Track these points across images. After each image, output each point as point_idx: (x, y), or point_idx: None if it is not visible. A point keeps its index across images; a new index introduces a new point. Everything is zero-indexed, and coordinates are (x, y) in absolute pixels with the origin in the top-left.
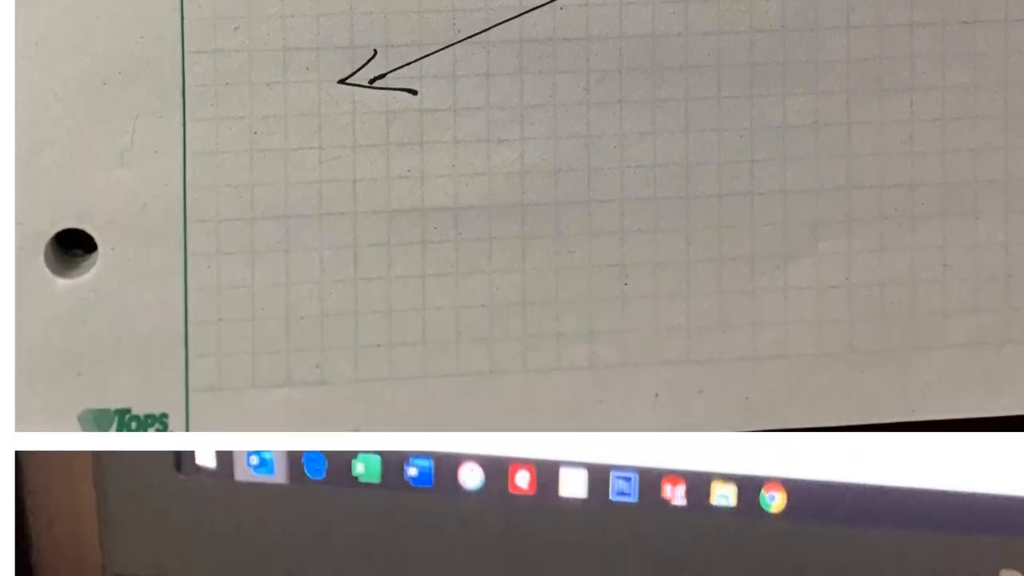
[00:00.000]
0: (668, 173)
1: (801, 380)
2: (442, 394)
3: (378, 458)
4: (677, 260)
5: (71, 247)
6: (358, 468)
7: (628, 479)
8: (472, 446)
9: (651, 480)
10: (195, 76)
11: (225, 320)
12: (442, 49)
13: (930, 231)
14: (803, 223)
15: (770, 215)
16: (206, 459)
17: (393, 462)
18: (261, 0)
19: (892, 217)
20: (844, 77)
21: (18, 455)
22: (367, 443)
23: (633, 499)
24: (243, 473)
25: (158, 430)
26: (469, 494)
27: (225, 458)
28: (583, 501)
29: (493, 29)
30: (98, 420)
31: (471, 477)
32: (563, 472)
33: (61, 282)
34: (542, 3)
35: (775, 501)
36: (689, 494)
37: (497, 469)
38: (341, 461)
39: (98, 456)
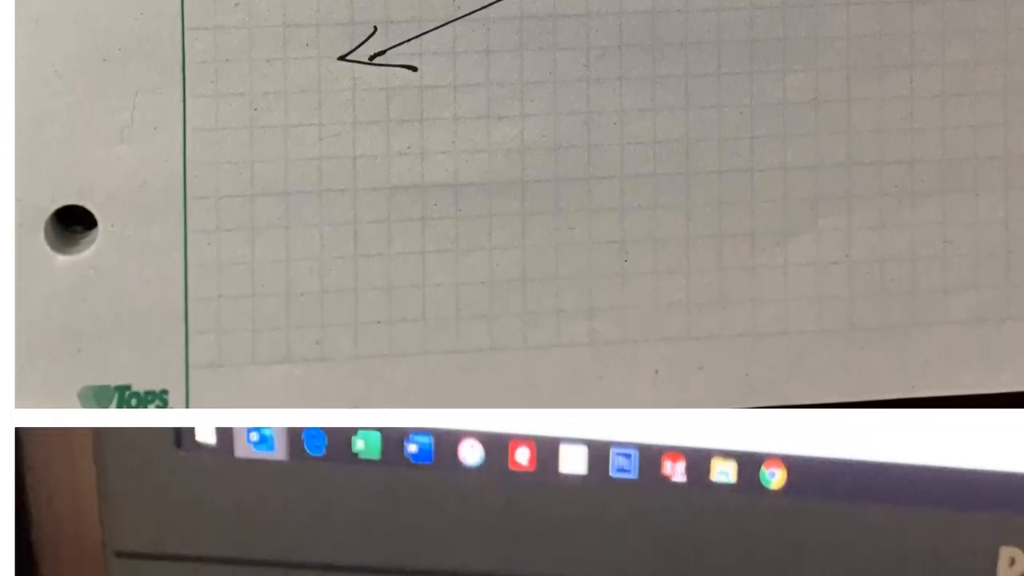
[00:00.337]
0: (668, 150)
1: (801, 357)
2: (442, 371)
3: (378, 435)
4: (677, 237)
5: (71, 223)
6: (358, 445)
7: (628, 456)
8: (472, 423)
9: (651, 457)
10: (195, 52)
11: (225, 297)
12: (442, 26)
13: (930, 208)
14: (803, 200)
15: (770, 192)
16: (206, 436)
17: (393, 439)
18: None
19: (892, 194)
20: (844, 54)
21: (18, 432)
22: (367, 420)
23: (633, 476)
24: (243, 450)
25: (158, 407)
26: (469, 471)
27: (225, 435)
28: (583, 478)
29: (493, 6)
30: (98, 397)
31: (471, 454)
32: (563, 449)
33: (61, 258)
34: None
35: (775, 478)
36: (689, 471)
37: (497, 446)
38: (341, 438)
39: (98, 433)
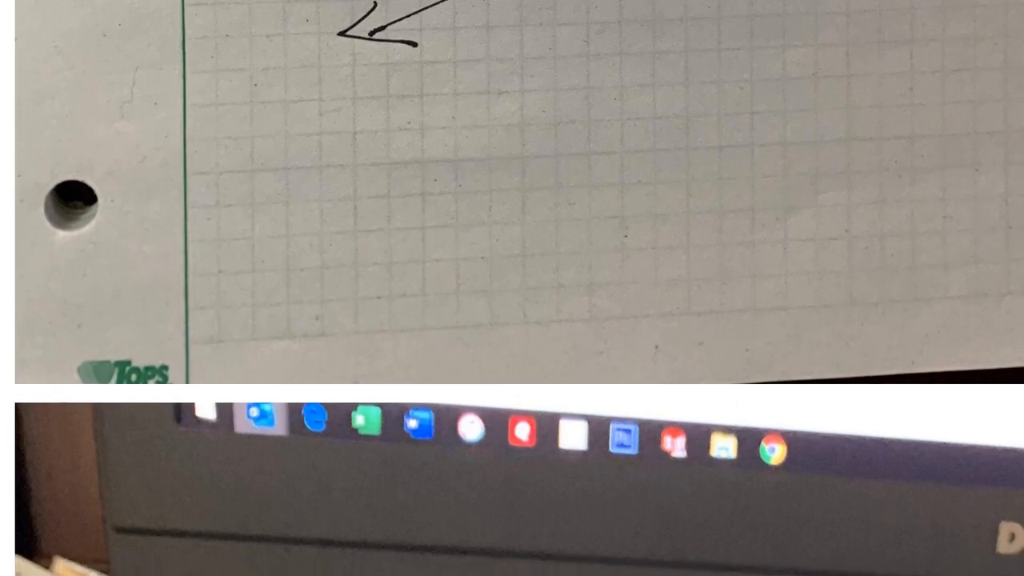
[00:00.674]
0: (668, 125)
1: (801, 332)
2: (442, 346)
3: (378, 410)
4: (677, 212)
5: (71, 199)
6: (358, 420)
7: (628, 431)
8: (472, 398)
9: (651, 432)
10: (195, 28)
11: (225, 272)
12: (442, 1)
13: (930, 183)
14: (803, 175)
15: (770, 167)
16: (206, 411)
17: (393, 414)
18: None
19: (892, 169)
20: (844, 29)
21: (18, 407)
22: (367, 395)
23: (633, 451)
24: (243, 425)
25: (158, 382)
26: (469, 446)
27: (225, 410)
28: (583, 453)
29: None
30: (98, 372)
31: (471, 429)
32: (563, 424)
33: (61, 234)
34: None
35: (775, 453)
36: (689, 446)
37: (497, 421)
38: (341, 413)
39: (98, 408)
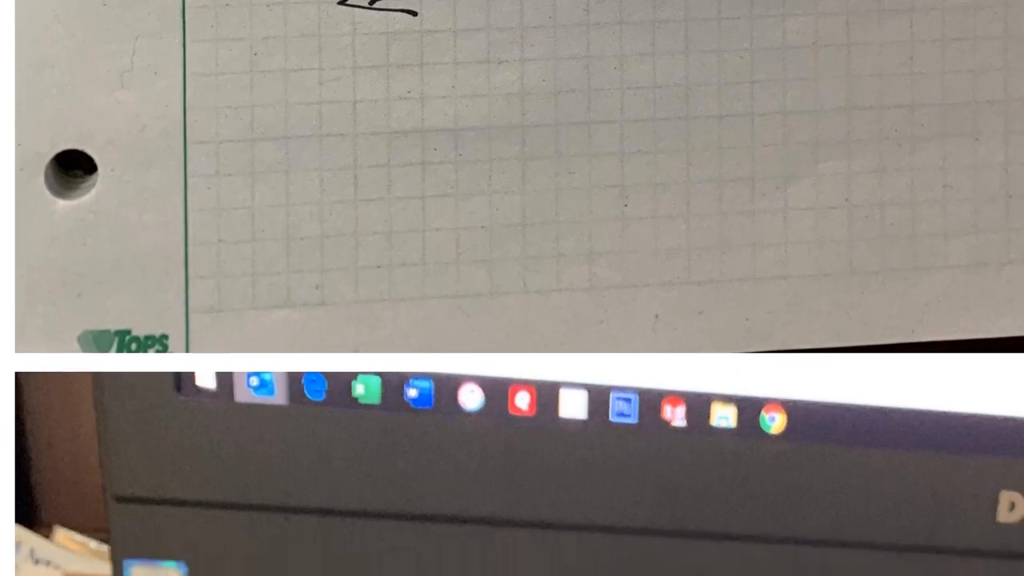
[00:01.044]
0: (668, 94)
1: (801, 301)
2: (442, 315)
3: (378, 379)
4: (677, 181)
5: (71, 168)
6: (358, 389)
7: (628, 400)
8: (472, 367)
9: (651, 401)
10: None
11: (225, 241)
12: None
13: (930, 152)
14: (803, 144)
15: (770, 136)
16: (206, 380)
17: (393, 383)
18: None
19: (892, 138)
20: None
21: (18, 376)
22: (367, 364)
23: (633, 420)
24: (243, 394)
25: (158, 351)
26: (469, 415)
27: (225, 379)
28: (583, 422)
29: None
30: (98, 341)
31: (471, 398)
32: (563, 393)
33: (61, 203)
34: None
35: (775, 422)
36: (689, 415)
37: (497, 390)
38: (341, 382)
39: (98, 377)
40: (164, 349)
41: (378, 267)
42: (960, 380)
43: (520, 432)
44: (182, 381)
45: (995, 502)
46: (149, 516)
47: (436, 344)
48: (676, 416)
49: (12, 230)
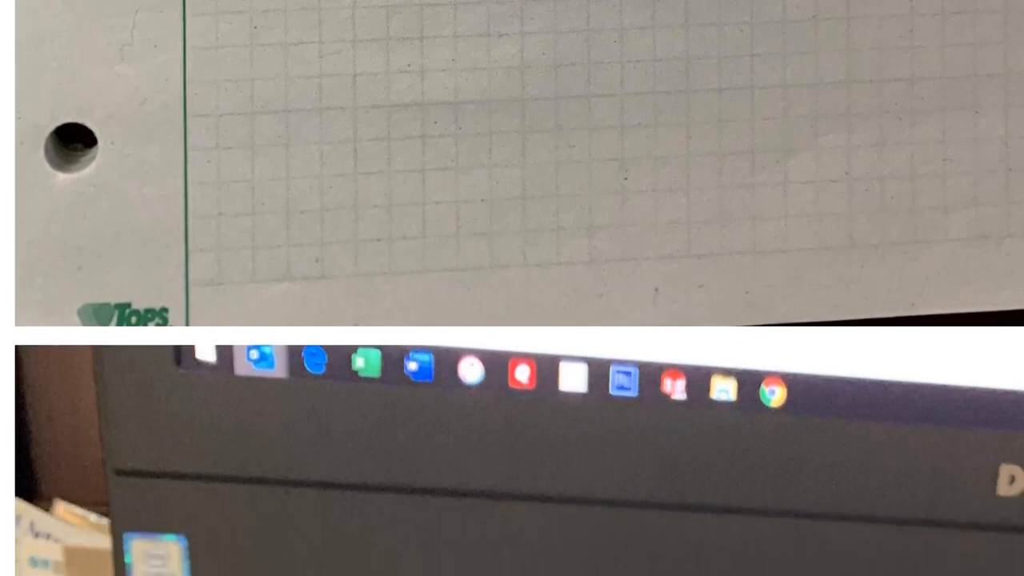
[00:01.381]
0: (668, 67)
1: (801, 274)
2: (442, 288)
3: (378, 352)
4: (677, 154)
5: (71, 141)
6: (358, 362)
7: (628, 373)
8: (472, 340)
9: (651, 374)
10: None
11: (225, 214)
12: None
13: (930, 125)
14: (803, 117)
15: (770, 109)
16: (206, 353)
17: (393, 356)
18: None
19: (892, 111)
20: None
21: (18, 349)
22: (367, 337)
23: (633, 393)
24: (243, 367)
25: (158, 324)
26: (469, 388)
27: (225, 352)
28: (583, 395)
29: None
30: (98, 314)
31: (471, 371)
32: (563, 366)
33: (61, 176)
34: None
35: (775, 395)
36: (689, 388)
37: (497, 363)
38: (341, 355)
39: (98, 351)
40: (164, 322)
41: (378, 240)
42: (960, 353)
43: (520, 405)
44: (182, 354)
45: (995, 475)
46: (149, 489)
47: (436, 317)
48: (676, 389)
49: (12, 203)
